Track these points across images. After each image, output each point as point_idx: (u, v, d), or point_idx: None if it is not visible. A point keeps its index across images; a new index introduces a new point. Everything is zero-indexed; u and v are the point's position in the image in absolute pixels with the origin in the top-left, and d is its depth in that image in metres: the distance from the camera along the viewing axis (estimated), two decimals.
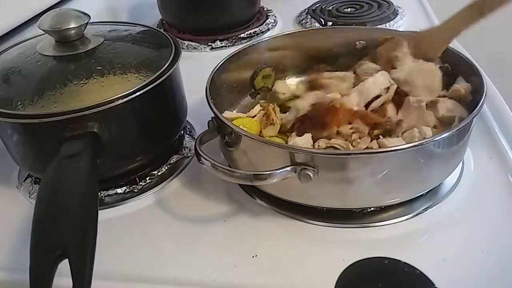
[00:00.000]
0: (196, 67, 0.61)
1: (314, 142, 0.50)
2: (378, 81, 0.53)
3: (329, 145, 0.48)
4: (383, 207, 0.48)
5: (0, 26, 0.68)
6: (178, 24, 0.94)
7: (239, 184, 0.52)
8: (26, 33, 0.72)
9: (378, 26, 0.86)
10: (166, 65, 0.52)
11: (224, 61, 0.57)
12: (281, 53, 0.63)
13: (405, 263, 0.41)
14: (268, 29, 0.93)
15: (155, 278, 0.44)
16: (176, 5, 0.91)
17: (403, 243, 0.45)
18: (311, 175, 0.42)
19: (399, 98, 0.53)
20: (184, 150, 0.60)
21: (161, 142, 0.56)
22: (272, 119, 0.54)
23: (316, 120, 0.50)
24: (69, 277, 0.33)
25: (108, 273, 0.44)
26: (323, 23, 0.90)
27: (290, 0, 1.05)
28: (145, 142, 0.54)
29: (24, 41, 0.59)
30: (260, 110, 0.58)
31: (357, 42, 0.63)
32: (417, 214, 0.47)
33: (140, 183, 0.55)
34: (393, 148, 0.42)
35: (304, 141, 0.49)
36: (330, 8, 0.95)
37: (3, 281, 0.45)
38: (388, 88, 0.53)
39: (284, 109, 0.58)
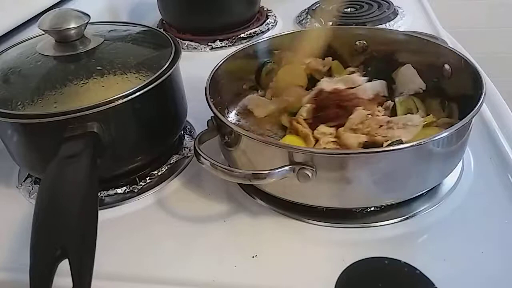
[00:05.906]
0: (196, 67, 0.61)
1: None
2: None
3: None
4: (383, 207, 0.48)
5: (0, 26, 0.68)
6: (178, 24, 0.94)
7: (239, 184, 0.52)
8: (26, 33, 0.72)
9: (378, 26, 0.86)
10: (166, 65, 0.52)
11: (224, 61, 0.57)
12: (281, 53, 0.63)
13: (405, 263, 0.41)
14: (268, 29, 0.93)
15: (155, 278, 0.44)
16: (176, 5, 0.92)
17: (403, 243, 0.45)
18: (310, 174, 0.42)
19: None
20: (184, 150, 0.60)
21: (161, 142, 0.56)
22: (301, 131, 0.53)
23: (334, 110, 0.53)
24: (69, 277, 0.33)
25: (108, 273, 0.44)
26: (323, 23, 0.90)
27: (290, 0, 1.05)
28: (145, 142, 0.54)
29: (24, 41, 0.59)
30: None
31: (357, 42, 0.63)
32: (417, 214, 0.47)
33: (140, 183, 0.55)
34: (392, 148, 0.42)
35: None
36: (330, 8, 0.95)
37: (3, 281, 0.45)
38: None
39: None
